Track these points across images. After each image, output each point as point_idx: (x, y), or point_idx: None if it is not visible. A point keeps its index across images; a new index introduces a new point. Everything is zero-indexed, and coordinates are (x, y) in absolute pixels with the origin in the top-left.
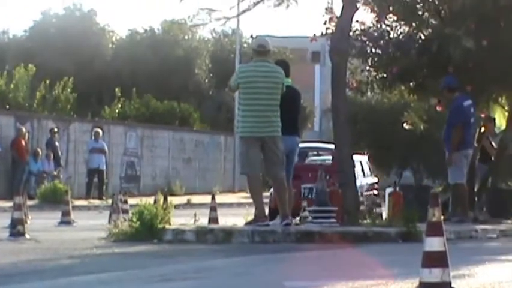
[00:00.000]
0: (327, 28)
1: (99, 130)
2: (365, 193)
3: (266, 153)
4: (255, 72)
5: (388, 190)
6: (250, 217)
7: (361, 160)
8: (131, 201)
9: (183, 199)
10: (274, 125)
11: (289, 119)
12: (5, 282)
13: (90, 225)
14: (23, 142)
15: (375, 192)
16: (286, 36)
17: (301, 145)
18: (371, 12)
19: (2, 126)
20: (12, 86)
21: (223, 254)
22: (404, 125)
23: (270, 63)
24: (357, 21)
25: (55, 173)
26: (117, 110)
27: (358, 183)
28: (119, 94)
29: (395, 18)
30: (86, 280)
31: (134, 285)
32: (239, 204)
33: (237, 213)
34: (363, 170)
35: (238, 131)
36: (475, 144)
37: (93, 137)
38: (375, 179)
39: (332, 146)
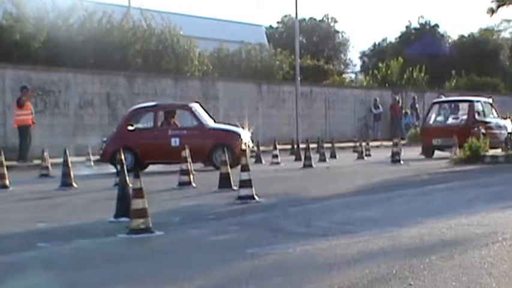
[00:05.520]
0: None
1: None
2: None
3: None
4: None
5: None
6: None
7: None
8: None
9: None
10: None
11: None
12: (389, 190)
13: (439, 156)
14: (397, 107)
15: None
16: None
17: None
18: None
19: (383, 96)
20: (389, 72)
21: None
22: None
23: None
24: None
25: (416, 123)
26: (453, 84)
27: None
28: (454, 74)
29: None
30: (438, 188)
31: (471, 189)
32: None
33: None
34: None
35: None
36: None
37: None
38: None
39: None
